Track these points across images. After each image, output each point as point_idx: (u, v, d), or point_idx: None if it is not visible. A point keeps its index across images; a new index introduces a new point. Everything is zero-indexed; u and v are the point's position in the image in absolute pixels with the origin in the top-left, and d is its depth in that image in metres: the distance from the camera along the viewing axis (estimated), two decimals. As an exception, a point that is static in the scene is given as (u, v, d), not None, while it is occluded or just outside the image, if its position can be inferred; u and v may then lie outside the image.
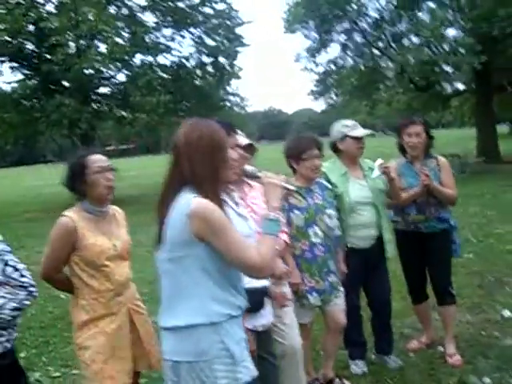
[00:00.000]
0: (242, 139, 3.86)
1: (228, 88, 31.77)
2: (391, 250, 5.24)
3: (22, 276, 3.44)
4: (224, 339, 2.74)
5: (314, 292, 4.63)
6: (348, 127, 5.10)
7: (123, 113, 29.30)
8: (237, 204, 3.59)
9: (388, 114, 38.33)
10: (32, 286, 3.46)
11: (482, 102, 27.82)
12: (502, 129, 31.25)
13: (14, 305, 3.34)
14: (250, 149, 3.95)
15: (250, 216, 3.68)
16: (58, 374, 5.92)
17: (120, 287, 3.75)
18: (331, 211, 4.77)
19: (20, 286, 3.41)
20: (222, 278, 2.77)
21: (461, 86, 32.05)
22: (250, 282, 3.21)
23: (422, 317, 5.79)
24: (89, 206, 3.75)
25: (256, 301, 3.47)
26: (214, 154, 2.84)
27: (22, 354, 6.36)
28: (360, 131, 5.10)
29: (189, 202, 2.70)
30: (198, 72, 30.08)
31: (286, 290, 4.26)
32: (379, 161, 4.99)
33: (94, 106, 27.84)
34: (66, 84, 26.69)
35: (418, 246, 5.36)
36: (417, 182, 5.26)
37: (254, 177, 3.25)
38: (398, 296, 6.45)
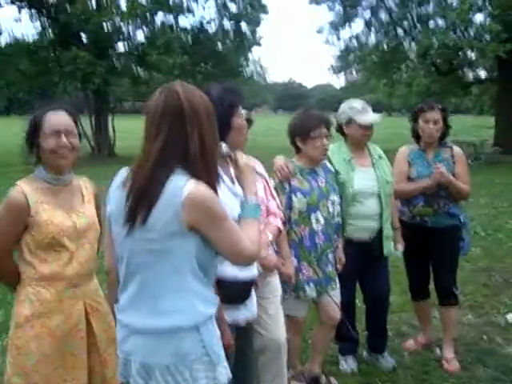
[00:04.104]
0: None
1: (250, 56, 31.37)
2: (389, 247, 4.82)
3: None
4: (206, 340, 2.43)
5: (311, 283, 4.28)
6: (356, 110, 4.64)
7: (139, 71, 28.94)
8: (233, 181, 3.23)
9: (406, 94, 37.55)
10: None
11: (503, 92, 27.13)
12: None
13: None
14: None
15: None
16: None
17: (77, 276, 3.07)
18: (335, 197, 4.40)
19: None
20: (205, 273, 2.45)
21: (483, 74, 31.56)
22: (238, 272, 2.94)
23: (421, 315, 5.43)
24: (44, 174, 3.07)
25: (243, 292, 3.14)
26: (215, 124, 2.49)
27: None
28: (368, 117, 4.63)
29: (183, 186, 2.30)
30: (219, 36, 29.54)
31: (276, 281, 3.94)
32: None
33: (110, 61, 27.40)
34: (83, 38, 26.42)
35: (422, 241, 4.98)
36: (428, 172, 4.89)
37: (229, 157, 2.89)
38: (397, 289, 6.14)
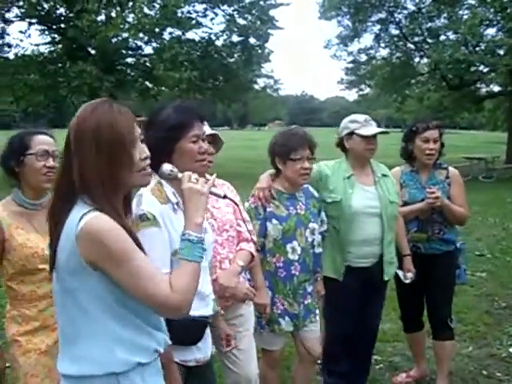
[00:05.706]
0: (206, 128, 3.13)
1: (262, 70, 31.07)
2: (390, 272, 4.44)
3: None
4: None
5: (287, 316, 3.94)
6: (357, 123, 4.30)
7: (148, 84, 28.77)
8: None
9: (418, 110, 37.22)
10: None
11: (516, 106, 26.88)
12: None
13: None
14: (213, 141, 3.27)
15: (208, 225, 3.01)
16: None
17: None
18: (314, 225, 4.04)
19: None
20: (129, 314, 2.12)
21: (496, 88, 31.17)
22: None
23: (415, 347, 5.07)
24: (20, 197, 3.17)
25: (193, 333, 2.80)
26: (114, 152, 2.11)
27: None
28: (370, 129, 4.27)
29: (78, 218, 2.03)
30: (227, 50, 29.26)
31: (249, 313, 3.65)
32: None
33: (118, 75, 27.20)
34: (91, 51, 26.30)
35: (416, 269, 4.60)
36: (421, 195, 4.56)
37: (172, 178, 2.60)
38: (394, 315, 5.77)
